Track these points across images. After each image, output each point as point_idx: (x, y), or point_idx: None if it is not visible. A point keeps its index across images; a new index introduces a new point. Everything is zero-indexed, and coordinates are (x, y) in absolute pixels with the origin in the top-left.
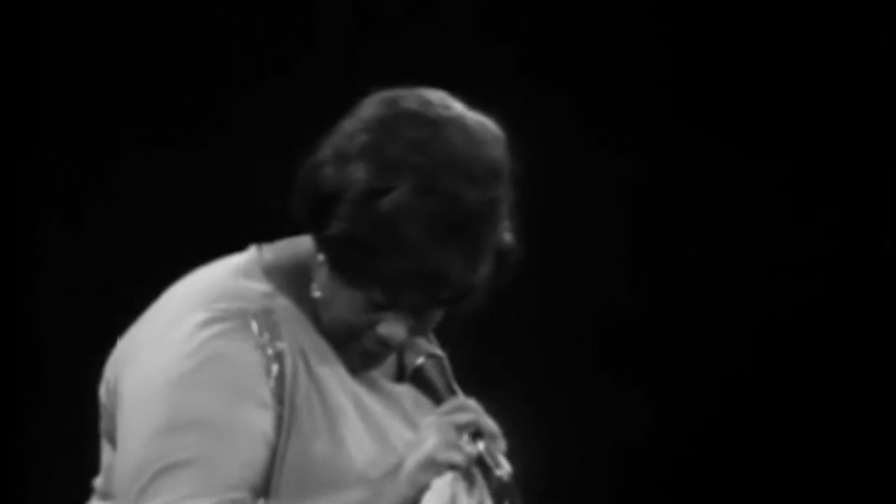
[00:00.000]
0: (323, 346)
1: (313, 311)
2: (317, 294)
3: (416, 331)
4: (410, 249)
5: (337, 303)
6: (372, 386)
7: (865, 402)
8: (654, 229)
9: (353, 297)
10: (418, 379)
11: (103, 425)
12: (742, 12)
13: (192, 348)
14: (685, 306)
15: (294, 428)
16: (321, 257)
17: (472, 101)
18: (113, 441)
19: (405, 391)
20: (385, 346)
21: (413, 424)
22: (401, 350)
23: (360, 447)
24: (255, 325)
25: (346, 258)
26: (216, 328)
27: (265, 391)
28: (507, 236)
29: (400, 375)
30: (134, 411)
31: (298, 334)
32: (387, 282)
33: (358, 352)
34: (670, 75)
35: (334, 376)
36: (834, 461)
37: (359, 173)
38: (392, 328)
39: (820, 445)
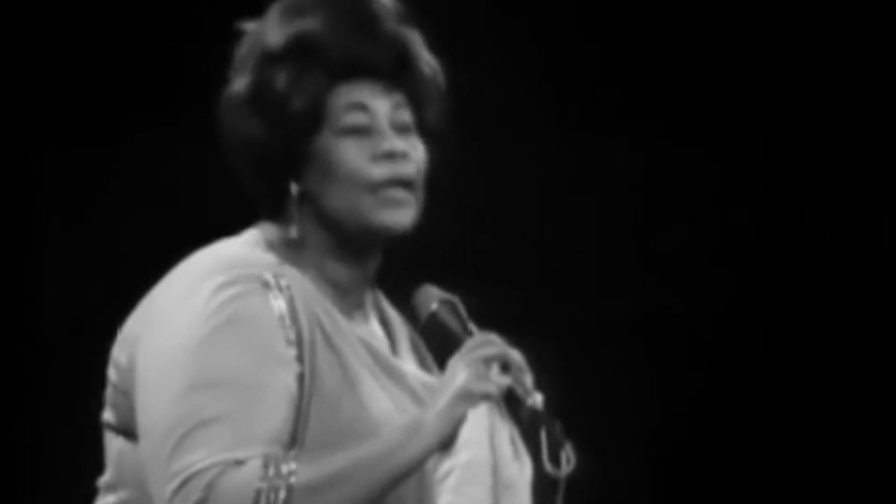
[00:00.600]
0: (334, 313)
1: (317, 280)
2: (294, 234)
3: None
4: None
5: (317, 232)
6: (381, 361)
7: (877, 402)
8: (662, 225)
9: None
10: (433, 326)
11: (109, 415)
12: (742, 11)
13: (211, 310)
14: (699, 303)
15: (316, 388)
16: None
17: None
18: (124, 428)
19: (414, 372)
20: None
21: (420, 402)
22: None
23: (381, 409)
24: (270, 289)
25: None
26: (234, 289)
27: (286, 350)
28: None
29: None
30: (158, 376)
31: (309, 301)
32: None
33: (363, 271)
34: (675, 74)
35: (347, 346)
36: (844, 460)
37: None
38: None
39: (828, 445)
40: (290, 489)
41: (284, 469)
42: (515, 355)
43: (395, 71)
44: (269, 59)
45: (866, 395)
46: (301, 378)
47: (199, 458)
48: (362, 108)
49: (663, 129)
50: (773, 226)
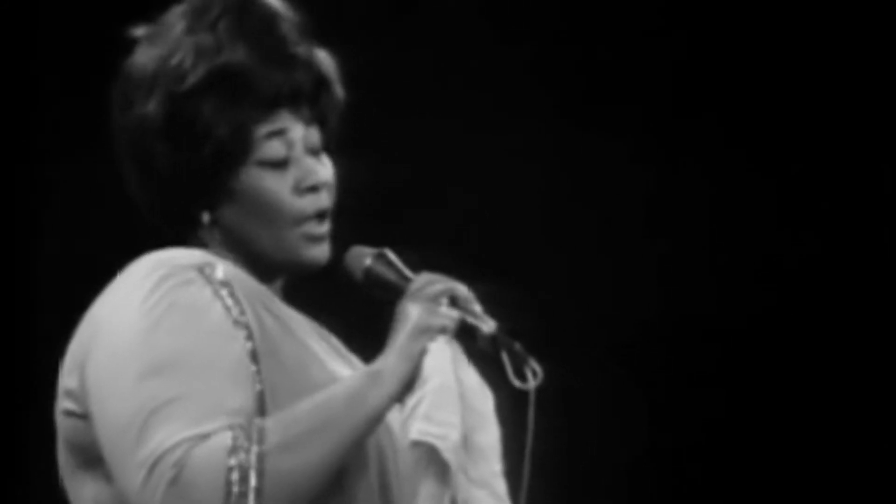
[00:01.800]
0: (270, 294)
1: (253, 272)
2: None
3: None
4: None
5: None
6: (323, 335)
7: (871, 408)
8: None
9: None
10: (371, 282)
11: (69, 460)
12: (740, 12)
13: (153, 301)
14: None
15: (275, 361)
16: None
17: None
18: (92, 465)
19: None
20: (312, 269)
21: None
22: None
23: (341, 373)
24: (206, 274)
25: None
26: (173, 279)
27: (233, 329)
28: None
29: None
30: (110, 375)
31: (246, 285)
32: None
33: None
34: (677, 79)
35: (291, 320)
36: (837, 463)
37: None
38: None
39: (820, 449)
40: (261, 455)
41: (254, 435)
42: (462, 288)
43: (312, 95)
44: (188, 92)
45: (861, 401)
46: (254, 354)
47: (163, 437)
48: (282, 137)
49: (661, 132)
50: (772, 233)
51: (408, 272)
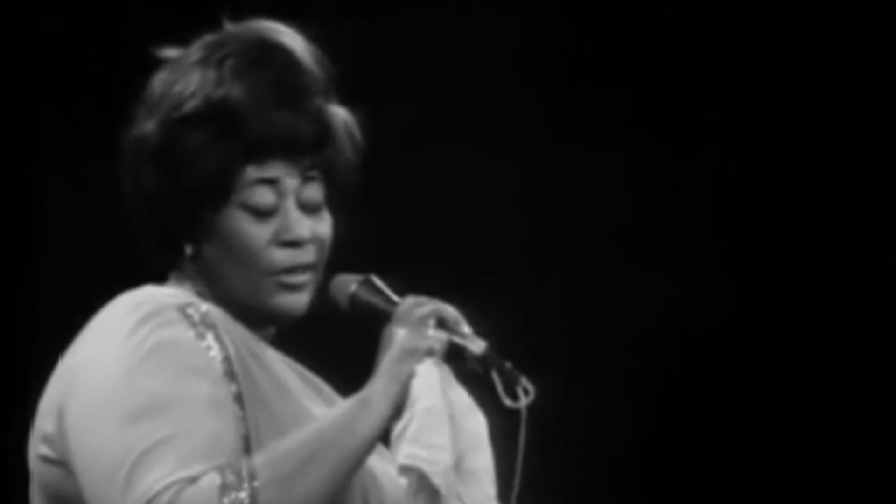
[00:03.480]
0: (252, 337)
1: (232, 312)
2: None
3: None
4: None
5: (224, 271)
6: (305, 379)
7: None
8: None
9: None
10: (357, 309)
11: (42, 490)
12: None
13: (134, 343)
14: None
15: (257, 403)
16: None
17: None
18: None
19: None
20: (284, 317)
21: None
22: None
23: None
24: (187, 314)
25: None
26: (153, 322)
27: (215, 369)
28: None
29: None
30: (93, 418)
31: (229, 327)
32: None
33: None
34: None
35: (273, 362)
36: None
37: None
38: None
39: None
40: (254, 493)
41: (244, 474)
42: (449, 310)
43: (312, 148)
44: (184, 118)
45: (854, 409)
46: (239, 397)
47: (152, 481)
48: (272, 186)
49: (652, 138)
50: (766, 245)
51: (394, 296)
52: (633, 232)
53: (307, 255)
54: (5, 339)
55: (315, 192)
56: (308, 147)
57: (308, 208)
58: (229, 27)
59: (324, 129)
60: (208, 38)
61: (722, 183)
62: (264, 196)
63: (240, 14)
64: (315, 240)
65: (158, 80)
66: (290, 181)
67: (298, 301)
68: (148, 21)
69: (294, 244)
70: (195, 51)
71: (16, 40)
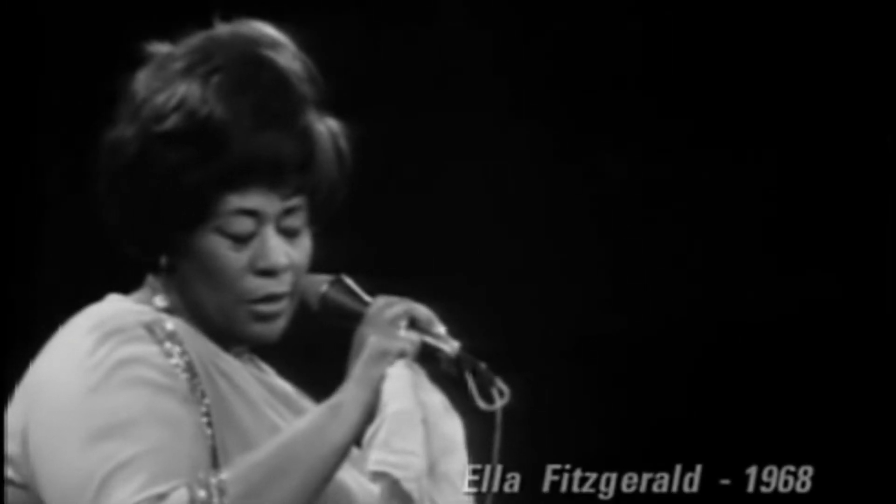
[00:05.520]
0: (221, 353)
1: (202, 329)
2: (160, 304)
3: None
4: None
5: (193, 285)
6: (279, 394)
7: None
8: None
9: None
10: (328, 310)
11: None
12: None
13: (96, 361)
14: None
15: (225, 419)
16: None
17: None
18: None
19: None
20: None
21: None
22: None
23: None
24: (152, 332)
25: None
26: (116, 338)
27: (182, 386)
28: None
29: None
30: (57, 437)
31: (196, 343)
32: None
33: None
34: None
35: (242, 380)
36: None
37: None
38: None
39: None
40: None
41: (213, 489)
42: (422, 310)
43: (296, 171)
44: (165, 134)
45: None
46: (207, 414)
47: (120, 500)
48: (252, 215)
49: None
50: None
51: (366, 297)
52: (602, 233)
53: (282, 284)
54: (5, 337)
55: (295, 219)
56: (292, 171)
57: (287, 233)
58: (219, 28)
59: (308, 152)
60: (196, 40)
61: (690, 187)
62: (243, 224)
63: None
64: (292, 267)
65: (142, 82)
66: (271, 207)
67: (272, 329)
68: (149, 18)
69: (270, 273)
70: (181, 56)
71: (18, 36)
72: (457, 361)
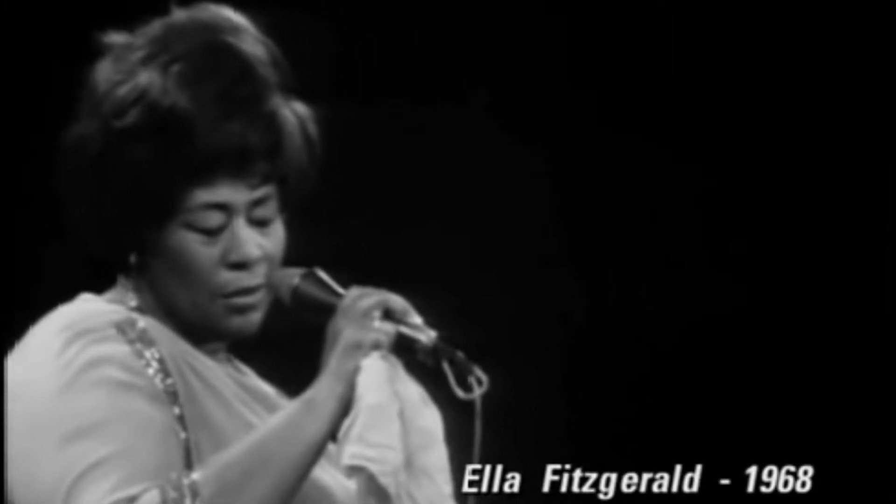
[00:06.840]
0: (196, 353)
1: (176, 327)
2: (132, 303)
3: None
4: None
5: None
6: (254, 393)
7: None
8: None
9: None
10: (300, 303)
11: None
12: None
13: (66, 361)
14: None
15: (198, 419)
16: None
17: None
18: None
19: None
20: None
21: None
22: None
23: None
24: (123, 331)
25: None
26: (85, 338)
27: (154, 386)
28: None
29: None
30: (28, 439)
31: (168, 342)
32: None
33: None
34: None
35: (218, 381)
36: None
37: None
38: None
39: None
40: None
41: (185, 490)
42: (397, 300)
43: (264, 160)
44: (127, 129)
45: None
46: (181, 415)
47: (91, 502)
48: (221, 208)
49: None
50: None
51: (339, 289)
52: (557, 229)
53: (256, 276)
54: (5, 337)
55: (266, 209)
56: (259, 159)
57: (258, 223)
58: (177, 15)
59: (275, 139)
60: (155, 29)
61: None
62: (212, 218)
63: None
64: (265, 258)
65: (102, 75)
66: (240, 198)
67: (249, 321)
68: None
69: (242, 266)
70: (140, 46)
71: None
72: (434, 351)
